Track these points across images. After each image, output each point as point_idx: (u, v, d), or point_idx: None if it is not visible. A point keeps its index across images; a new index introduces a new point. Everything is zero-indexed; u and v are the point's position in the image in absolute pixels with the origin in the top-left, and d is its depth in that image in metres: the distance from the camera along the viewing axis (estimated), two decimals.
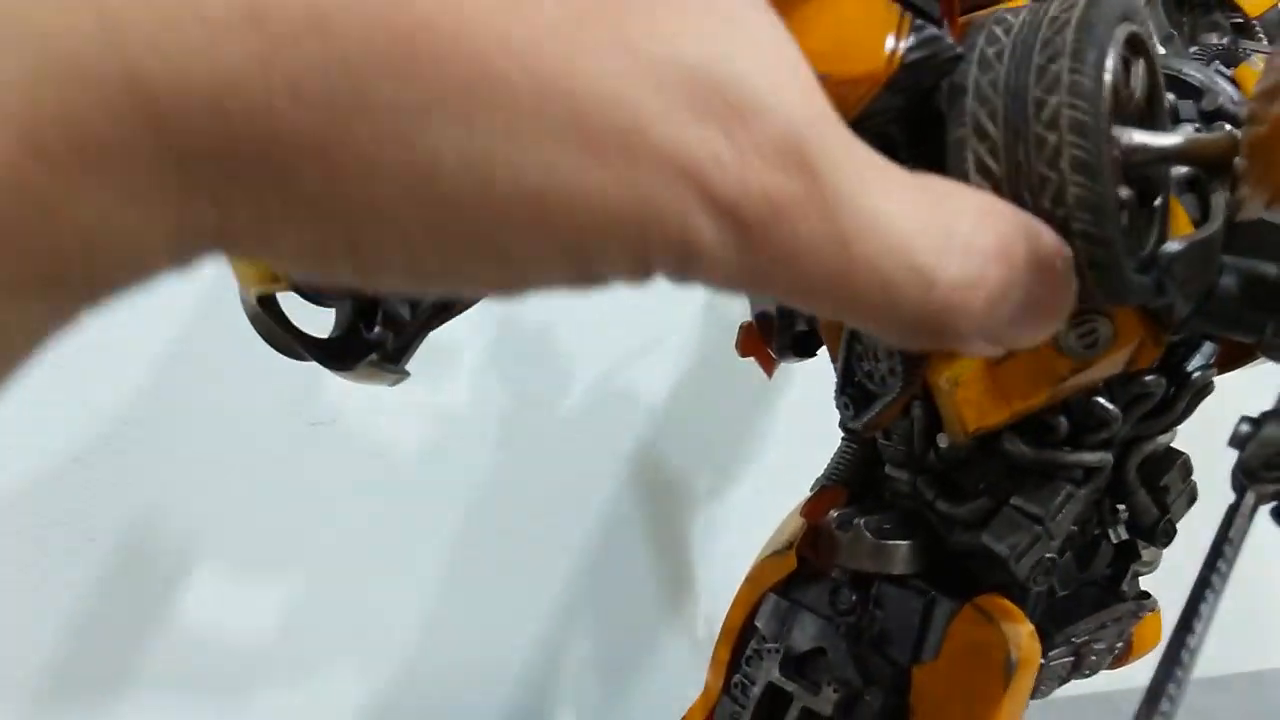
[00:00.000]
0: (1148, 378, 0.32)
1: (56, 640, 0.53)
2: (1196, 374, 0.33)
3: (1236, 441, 0.27)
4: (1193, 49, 0.38)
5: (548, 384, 0.63)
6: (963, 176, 0.24)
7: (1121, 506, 0.36)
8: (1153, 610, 0.39)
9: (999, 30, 0.24)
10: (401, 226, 0.15)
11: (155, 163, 0.13)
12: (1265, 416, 0.26)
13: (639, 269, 0.16)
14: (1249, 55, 0.37)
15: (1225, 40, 0.40)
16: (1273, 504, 0.27)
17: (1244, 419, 0.28)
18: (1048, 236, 0.22)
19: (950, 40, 0.24)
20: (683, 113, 0.15)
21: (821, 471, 0.39)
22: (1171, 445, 0.36)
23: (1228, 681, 0.74)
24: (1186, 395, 0.33)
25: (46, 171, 0.13)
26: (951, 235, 0.19)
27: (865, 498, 0.37)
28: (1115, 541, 0.37)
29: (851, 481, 0.38)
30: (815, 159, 0.17)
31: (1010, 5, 0.29)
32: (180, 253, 0.15)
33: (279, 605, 0.58)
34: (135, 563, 0.54)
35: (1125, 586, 0.37)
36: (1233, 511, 0.27)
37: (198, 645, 0.56)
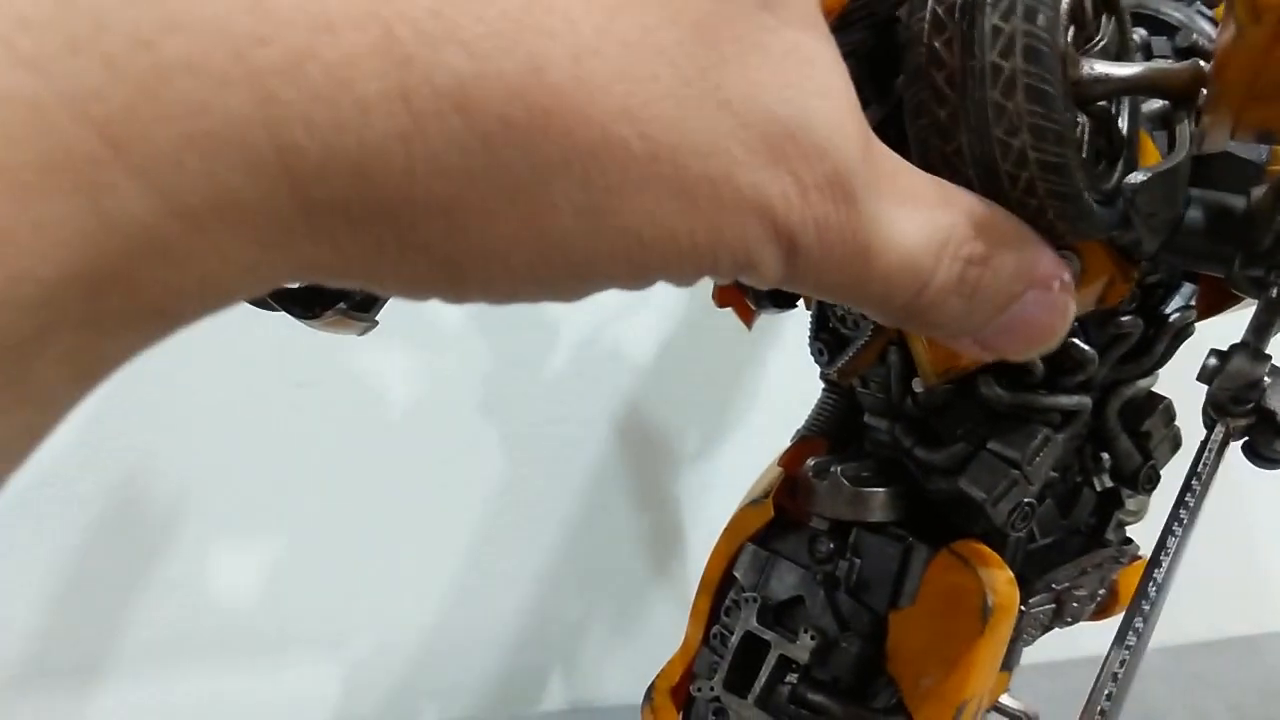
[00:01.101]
0: (1124, 318, 0.31)
1: (44, 604, 0.53)
2: (1175, 315, 0.33)
3: (1204, 376, 0.27)
4: None
5: (532, 344, 0.63)
6: (918, 107, 0.24)
7: (1104, 454, 0.36)
8: (1136, 557, 0.39)
9: None
10: (508, 266, 0.16)
11: (290, 218, 0.14)
12: (1232, 350, 0.26)
13: (694, 281, 0.19)
14: None
15: None
16: (1243, 438, 0.27)
17: (1212, 352, 0.27)
18: (1041, 246, 0.24)
19: None
20: (763, 159, 0.18)
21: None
22: (1153, 390, 0.35)
23: (1222, 646, 0.74)
24: (1165, 337, 0.33)
25: (185, 229, 0.13)
26: (947, 242, 0.21)
27: (845, 447, 0.37)
28: (1099, 489, 0.37)
29: (831, 432, 0.38)
30: (857, 190, 0.19)
31: None
32: (285, 282, 0.16)
33: (265, 567, 0.59)
34: (123, 525, 0.54)
35: (1110, 535, 0.37)
36: (1204, 446, 0.26)
37: (187, 606, 0.57)
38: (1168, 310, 0.33)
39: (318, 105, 0.14)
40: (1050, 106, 0.22)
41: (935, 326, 0.22)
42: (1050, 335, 0.24)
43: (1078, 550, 0.36)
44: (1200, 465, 0.26)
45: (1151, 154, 0.28)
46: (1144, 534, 0.39)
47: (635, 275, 0.18)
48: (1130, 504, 0.37)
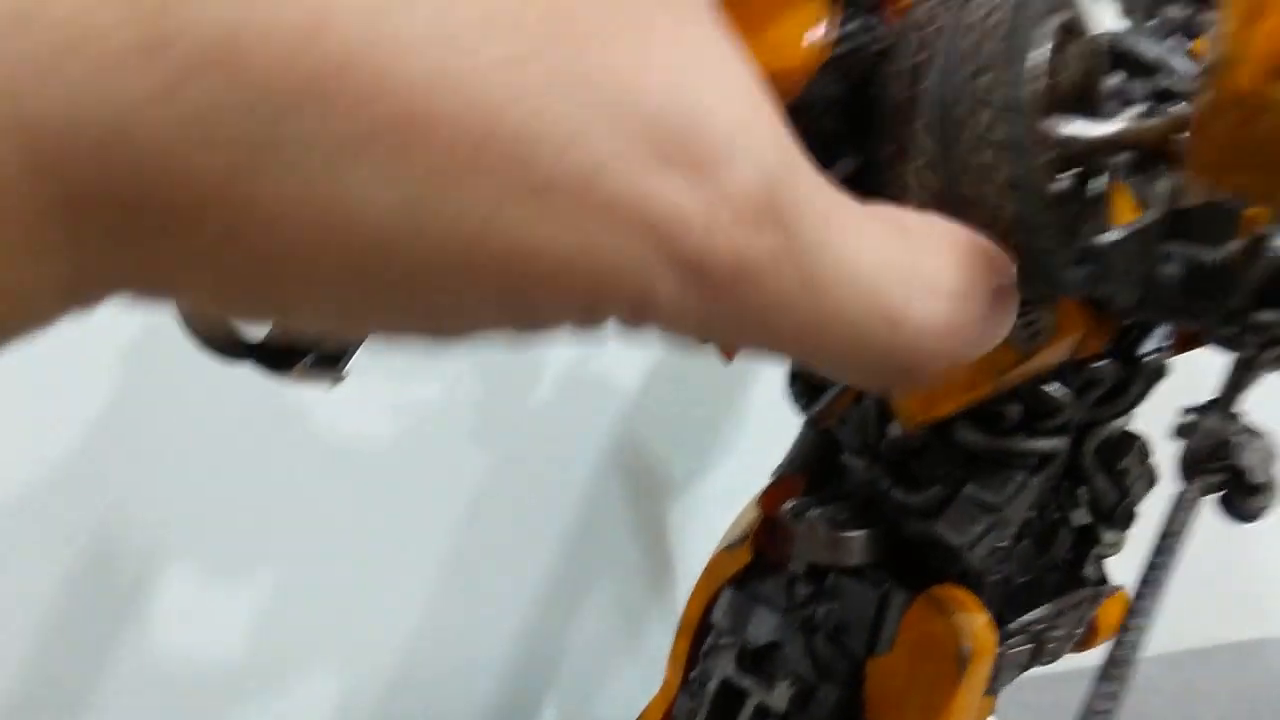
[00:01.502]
0: (1098, 364, 0.31)
1: (31, 642, 0.53)
2: (1150, 357, 0.33)
3: (1178, 433, 0.27)
4: (1152, 22, 0.37)
5: (520, 371, 0.62)
6: (902, 189, 0.24)
7: (1081, 490, 0.36)
8: (1114, 593, 0.39)
9: (929, 32, 0.23)
10: (321, 273, 0.13)
11: (43, 214, 0.12)
12: (1206, 407, 0.26)
13: (588, 320, 0.16)
14: (1210, 27, 0.36)
15: (1188, 12, 0.39)
16: (1218, 494, 0.27)
17: (1186, 409, 0.27)
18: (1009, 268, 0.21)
19: (879, 31, 0.24)
20: (643, 159, 0.14)
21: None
22: (1128, 429, 0.35)
23: (1213, 652, 0.74)
24: (1140, 379, 0.33)
25: None
26: (918, 275, 0.18)
27: (823, 487, 0.37)
28: (1076, 525, 0.37)
29: (811, 468, 0.38)
30: (787, 210, 0.16)
31: None
32: (77, 301, 0.13)
33: (254, 603, 0.58)
34: (109, 562, 0.54)
35: (1087, 570, 0.37)
36: (1176, 502, 0.26)
37: (173, 644, 0.56)
38: (1142, 352, 0.33)
39: (52, 64, 0.11)
40: (1024, 162, 0.22)
41: (921, 376, 0.19)
42: (985, 343, 0.21)
43: (1055, 588, 0.36)
44: (1174, 522, 0.26)
45: (1127, 207, 0.28)
46: (1114, 564, 0.40)
47: (488, 301, 0.15)
48: (1108, 537, 0.37)
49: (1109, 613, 0.39)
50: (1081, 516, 0.36)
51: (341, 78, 0.12)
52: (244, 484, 0.56)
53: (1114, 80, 0.29)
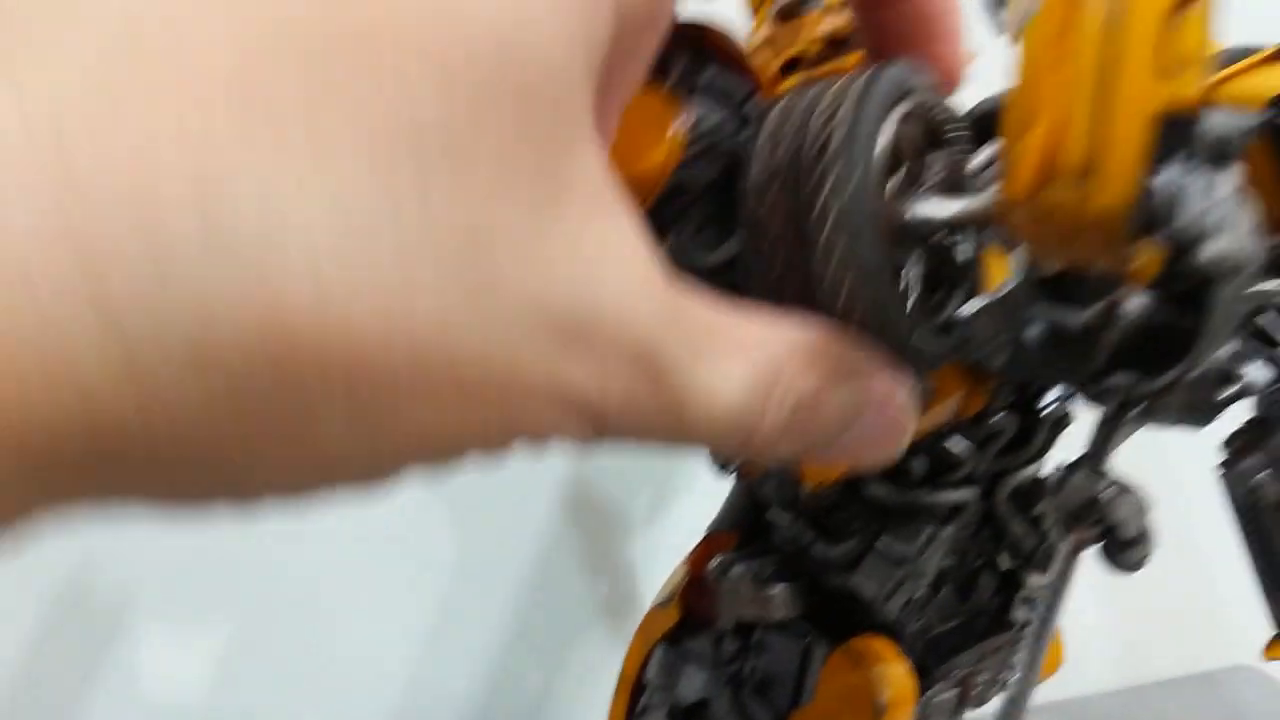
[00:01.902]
0: (995, 418, 0.32)
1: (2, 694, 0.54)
2: (1050, 408, 0.34)
3: (1050, 490, 0.28)
4: None
5: None
6: (758, 271, 0.25)
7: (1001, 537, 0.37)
8: None
9: (779, 121, 0.25)
10: (284, 483, 0.16)
11: (21, 487, 0.14)
12: (1074, 465, 0.27)
13: (500, 456, 0.19)
14: None
15: None
16: (1098, 545, 0.28)
17: (1057, 467, 0.28)
18: (875, 370, 0.24)
19: (729, 126, 0.25)
20: (551, 349, 0.17)
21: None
22: (1038, 476, 0.36)
23: (1182, 683, 0.75)
24: (1042, 430, 0.34)
25: None
26: (771, 388, 0.21)
27: (751, 543, 0.38)
28: (1003, 570, 0.38)
29: (741, 525, 0.39)
30: (660, 358, 0.19)
31: (821, 76, 0.29)
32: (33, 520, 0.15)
33: (217, 651, 0.59)
34: (69, 624, 0.55)
35: (1016, 614, 0.38)
36: (1058, 557, 0.27)
37: (138, 702, 0.57)
38: (1043, 404, 0.34)
39: (41, 395, 0.13)
40: (861, 241, 0.23)
41: (773, 460, 0.23)
42: (888, 452, 0.25)
43: (982, 633, 0.37)
44: (1053, 574, 0.27)
45: (1000, 273, 0.29)
46: None
47: (433, 463, 0.18)
48: (1032, 580, 0.38)
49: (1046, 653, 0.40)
50: (1005, 561, 0.37)
51: (301, 361, 0.14)
52: (211, 537, 0.57)
53: (982, 155, 0.31)
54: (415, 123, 0.15)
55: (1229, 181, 0.20)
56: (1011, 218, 0.19)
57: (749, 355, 0.21)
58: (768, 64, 0.34)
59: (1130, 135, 0.17)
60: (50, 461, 0.14)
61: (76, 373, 0.13)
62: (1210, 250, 0.20)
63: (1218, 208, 0.20)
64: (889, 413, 0.24)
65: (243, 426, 0.15)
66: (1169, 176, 0.19)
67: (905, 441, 0.25)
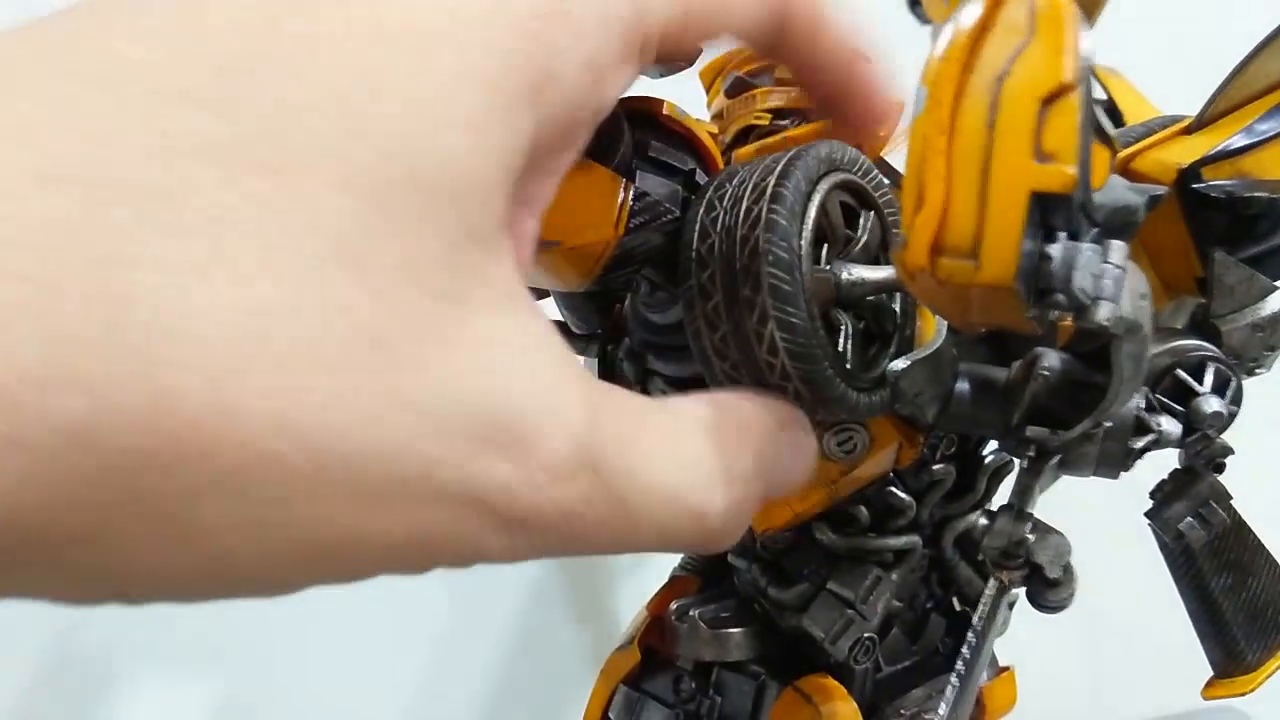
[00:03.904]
0: (936, 466, 0.34)
1: None
2: (990, 458, 0.35)
3: (977, 535, 0.29)
4: None
5: None
6: (690, 303, 0.27)
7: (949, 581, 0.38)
8: (1001, 673, 0.41)
9: (715, 193, 0.27)
10: (175, 579, 0.16)
11: None
12: (999, 511, 0.29)
13: (421, 572, 0.18)
14: None
15: None
16: (1022, 589, 0.29)
17: (983, 513, 0.30)
18: (803, 425, 0.25)
19: (676, 198, 0.27)
20: (466, 451, 0.17)
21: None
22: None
23: None
24: (984, 477, 0.35)
25: None
26: (715, 471, 0.21)
27: (713, 587, 0.39)
28: (957, 610, 0.39)
29: (703, 571, 0.41)
30: (598, 458, 0.19)
31: (772, 146, 0.32)
32: None
33: (203, 708, 0.60)
34: (58, 677, 0.56)
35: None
36: (985, 599, 0.29)
37: None
38: (984, 453, 0.35)
39: None
40: (791, 303, 0.25)
41: (732, 541, 0.23)
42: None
43: (934, 672, 0.39)
44: (979, 616, 0.29)
45: (931, 331, 0.31)
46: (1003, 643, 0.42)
47: (333, 575, 0.17)
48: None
49: (996, 693, 0.42)
50: (957, 604, 0.39)
51: (185, 441, 0.14)
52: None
53: None
54: (318, 224, 0.16)
55: (1120, 250, 0.22)
56: (912, 287, 0.21)
57: (687, 439, 0.21)
58: (721, 135, 0.36)
59: (1009, 212, 0.19)
60: None
61: None
62: (1104, 311, 0.22)
63: (1109, 273, 0.22)
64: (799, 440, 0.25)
65: (126, 512, 0.15)
66: (1063, 245, 0.21)
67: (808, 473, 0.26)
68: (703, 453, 0.21)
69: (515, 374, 0.18)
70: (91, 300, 0.14)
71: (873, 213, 0.28)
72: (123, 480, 0.14)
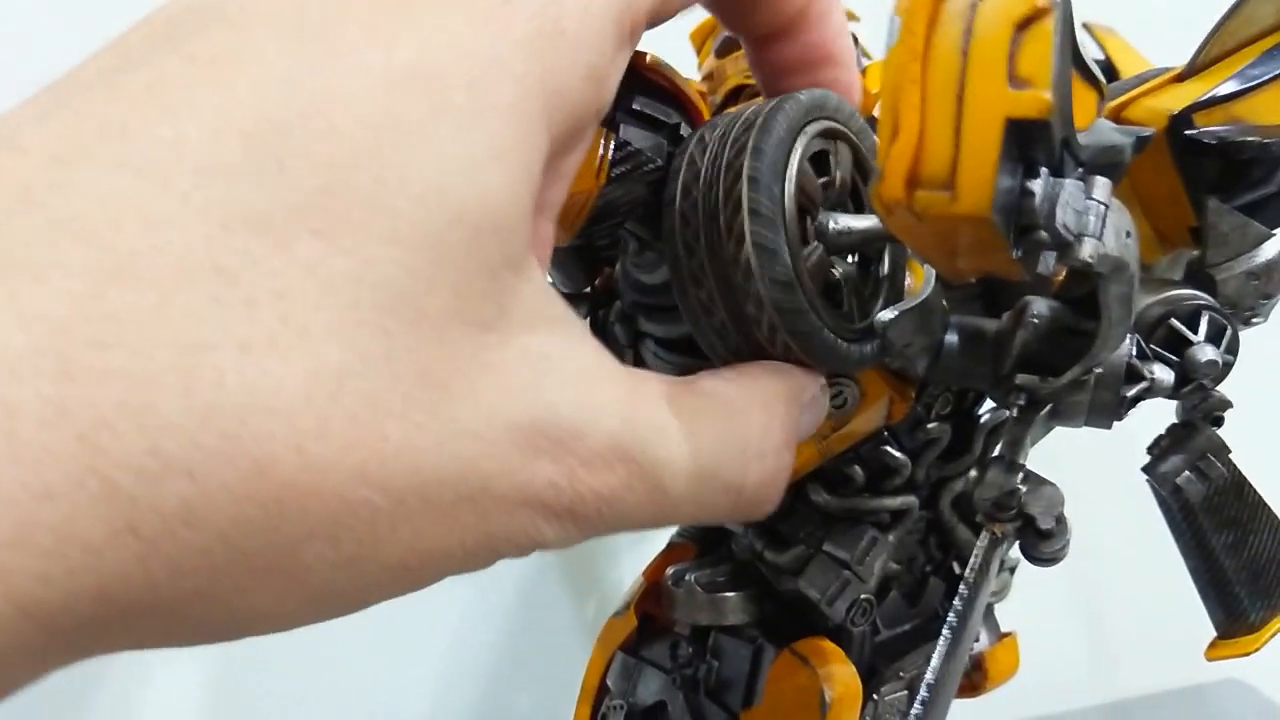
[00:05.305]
0: (931, 425, 0.34)
1: None
2: (986, 416, 0.35)
3: (968, 488, 0.29)
4: None
5: None
6: (675, 260, 0.26)
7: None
8: (1003, 639, 0.41)
9: (697, 144, 0.26)
10: (281, 615, 0.18)
11: (39, 645, 0.15)
12: (989, 463, 0.28)
13: (488, 566, 0.20)
14: None
15: None
16: (1015, 540, 0.29)
17: (975, 463, 0.30)
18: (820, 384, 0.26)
19: (660, 151, 0.27)
20: (517, 461, 0.19)
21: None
22: None
23: (1165, 697, 0.74)
24: (980, 436, 0.35)
25: None
26: (746, 447, 0.23)
27: (709, 552, 0.39)
28: (957, 573, 0.39)
29: (700, 537, 0.41)
30: (632, 448, 0.21)
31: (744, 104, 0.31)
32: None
33: (212, 681, 0.60)
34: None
35: None
36: (977, 550, 0.29)
37: None
38: (980, 412, 0.35)
39: (49, 561, 0.15)
40: (774, 258, 0.25)
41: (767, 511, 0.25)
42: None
43: (936, 635, 0.38)
44: (970, 569, 0.28)
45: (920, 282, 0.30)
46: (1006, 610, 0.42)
47: (417, 586, 0.19)
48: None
49: (999, 657, 0.41)
50: (956, 567, 0.39)
51: (285, 502, 0.16)
52: None
53: None
54: (371, 279, 0.17)
55: (1104, 186, 0.22)
56: (891, 223, 0.20)
57: (719, 417, 0.23)
58: (712, 94, 0.36)
59: (984, 139, 0.19)
60: (63, 619, 0.15)
61: (80, 531, 0.15)
62: (1088, 248, 0.21)
63: (1093, 209, 0.21)
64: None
65: (236, 569, 0.16)
66: (1044, 180, 0.21)
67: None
68: (733, 431, 0.23)
69: (552, 384, 0.20)
70: (184, 392, 0.15)
71: (844, 143, 0.28)
72: (230, 544, 0.16)
